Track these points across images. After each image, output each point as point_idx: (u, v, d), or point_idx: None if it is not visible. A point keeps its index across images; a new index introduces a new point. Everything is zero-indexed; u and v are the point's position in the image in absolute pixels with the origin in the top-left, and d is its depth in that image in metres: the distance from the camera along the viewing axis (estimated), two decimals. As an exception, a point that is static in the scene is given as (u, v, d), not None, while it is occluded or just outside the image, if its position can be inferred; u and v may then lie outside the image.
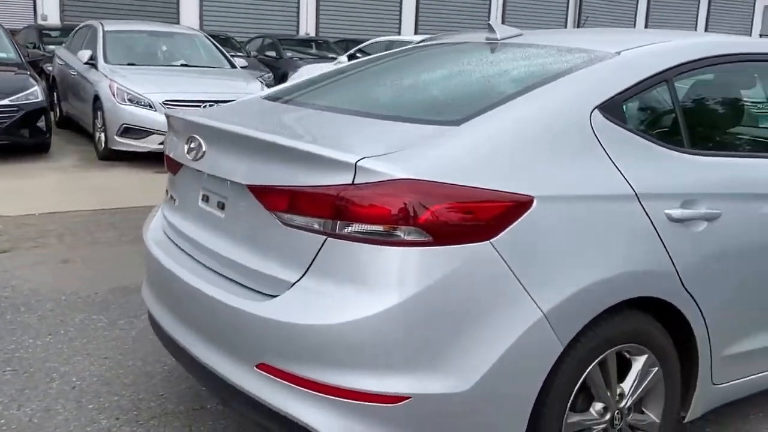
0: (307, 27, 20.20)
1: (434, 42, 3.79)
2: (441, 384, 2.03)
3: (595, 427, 2.39)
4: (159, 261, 2.73)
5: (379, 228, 2.02)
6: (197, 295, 2.44)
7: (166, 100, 8.43)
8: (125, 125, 8.44)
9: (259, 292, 2.26)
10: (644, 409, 2.54)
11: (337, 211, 2.06)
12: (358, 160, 2.03)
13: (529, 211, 2.10)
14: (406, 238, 2.01)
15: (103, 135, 8.76)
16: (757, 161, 2.77)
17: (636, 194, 2.33)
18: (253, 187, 2.27)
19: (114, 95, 8.54)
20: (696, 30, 25.77)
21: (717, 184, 2.56)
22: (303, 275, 2.14)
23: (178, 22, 17.87)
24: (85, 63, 9.40)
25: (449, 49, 3.39)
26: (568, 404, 2.27)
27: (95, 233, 5.66)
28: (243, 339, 2.25)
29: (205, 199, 2.62)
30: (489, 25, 3.13)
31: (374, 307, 2.00)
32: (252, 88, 8.89)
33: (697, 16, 26.01)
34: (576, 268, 2.18)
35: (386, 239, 2.02)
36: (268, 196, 2.22)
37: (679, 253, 2.40)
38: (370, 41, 13.89)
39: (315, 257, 2.11)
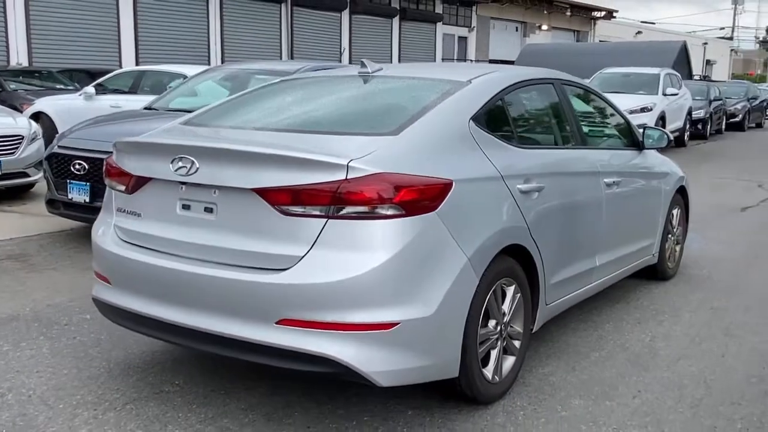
0: (18, 56, 19.15)
1: (314, 75, 4.66)
2: (416, 311, 2.97)
3: (491, 336, 3.48)
4: (142, 262, 3.28)
5: (367, 208, 2.91)
6: (203, 280, 3.09)
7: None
8: None
9: (266, 268, 2.99)
10: (513, 324, 3.69)
11: (336, 199, 2.90)
12: (349, 162, 2.91)
13: (452, 190, 3.12)
14: (387, 213, 2.92)
15: None
16: (561, 151, 4.12)
17: (501, 176, 3.48)
18: (258, 190, 3.00)
19: None
20: (391, 54, 28.93)
21: (540, 167, 3.82)
22: (310, 249, 2.94)
23: None
24: None
25: (339, 80, 4.32)
26: (480, 321, 3.33)
27: None
28: (260, 304, 2.97)
29: (186, 207, 3.25)
30: (362, 62, 4.11)
31: (369, 264, 2.88)
32: (21, 123, 8.76)
33: (391, 43, 29.13)
34: (480, 226, 3.26)
35: (373, 215, 2.91)
36: (273, 195, 2.98)
37: (527, 214, 3.61)
38: (117, 71, 13.87)
39: (318, 235, 2.93)
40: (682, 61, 26.95)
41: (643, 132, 5.15)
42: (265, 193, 3.01)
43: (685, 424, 3.36)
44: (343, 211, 2.92)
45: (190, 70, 11.06)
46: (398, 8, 28.90)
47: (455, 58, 31.60)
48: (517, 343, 3.67)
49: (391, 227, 2.93)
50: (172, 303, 3.22)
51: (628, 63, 26.96)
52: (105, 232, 3.60)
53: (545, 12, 35.31)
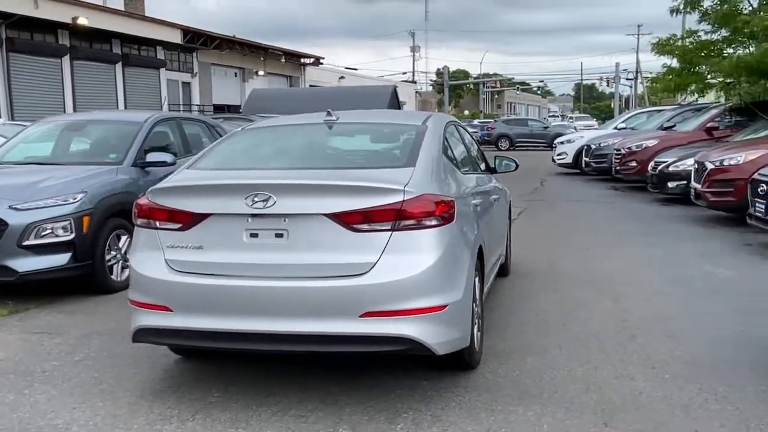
0: None
1: (283, 123, 5.38)
2: (455, 295, 3.99)
3: (476, 314, 4.58)
4: (212, 285, 3.87)
5: (419, 221, 3.88)
6: (284, 292, 3.80)
7: None
8: None
9: (347, 275, 3.80)
10: (476, 304, 4.82)
11: (398, 215, 3.83)
12: (405, 187, 3.86)
13: (456, 206, 4.20)
14: (432, 224, 3.92)
15: None
16: (475, 175, 5.39)
17: (465, 194, 4.63)
18: (331, 214, 3.80)
19: None
20: (117, 100, 28.34)
21: (474, 187, 5.05)
22: (380, 256, 3.82)
23: None
24: None
25: (315, 126, 5.12)
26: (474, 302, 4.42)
27: None
28: (346, 303, 3.77)
29: (254, 235, 3.91)
30: (328, 111, 4.97)
31: (427, 263, 3.86)
32: None
33: (116, 88, 28.55)
34: (469, 232, 4.38)
35: (423, 226, 3.90)
36: (347, 217, 3.81)
37: (479, 220, 4.80)
38: None
39: (386, 245, 3.82)
40: (394, 103, 30.25)
41: (495, 159, 6.63)
42: (339, 216, 3.82)
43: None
44: (402, 224, 3.85)
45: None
46: (120, 54, 28.48)
47: (181, 103, 31.79)
48: (479, 322, 4.82)
49: (436, 234, 3.93)
50: (250, 315, 3.86)
51: (349, 105, 29.50)
52: (154, 267, 4.05)
53: (262, 58, 36.97)
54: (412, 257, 3.85)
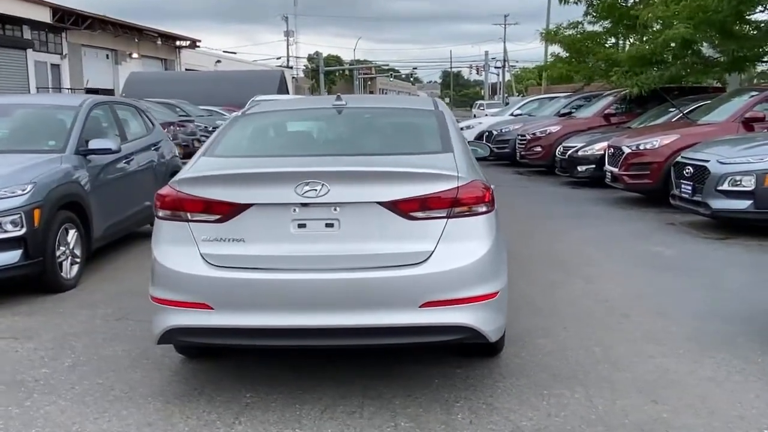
0: None
1: (298, 106, 5.11)
2: (502, 282, 3.96)
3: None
4: (258, 280, 3.65)
5: (471, 208, 3.81)
6: (338, 284, 3.64)
7: None
8: None
9: (404, 264, 3.68)
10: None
11: (454, 203, 3.75)
12: (458, 174, 3.78)
13: (490, 190, 4.17)
14: (482, 210, 3.87)
15: None
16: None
17: (486, 180, 4.61)
18: (387, 203, 3.66)
19: None
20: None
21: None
22: (437, 244, 3.72)
23: None
24: None
25: (327, 111, 4.87)
26: (500, 289, 4.41)
27: None
28: (405, 294, 3.65)
29: (302, 226, 3.71)
30: (338, 95, 4.78)
31: (482, 250, 3.81)
32: None
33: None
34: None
35: (476, 213, 3.84)
36: (402, 205, 3.68)
37: None
38: None
39: (442, 232, 3.73)
40: (283, 88, 29.85)
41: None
42: (395, 204, 3.69)
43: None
44: (456, 212, 3.78)
45: None
46: (-18, 33, 26.32)
47: (50, 86, 29.81)
48: None
49: (486, 221, 3.88)
50: (299, 310, 3.66)
51: (236, 90, 28.83)
52: (188, 263, 3.75)
53: (136, 40, 35.28)
54: (468, 245, 3.78)
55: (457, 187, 3.77)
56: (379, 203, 3.70)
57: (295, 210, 3.72)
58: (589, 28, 21.19)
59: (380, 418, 3.74)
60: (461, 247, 3.77)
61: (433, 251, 3.73)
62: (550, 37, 20.97)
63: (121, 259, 7.62)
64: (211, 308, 3.71)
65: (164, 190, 3.92)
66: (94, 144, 7.00)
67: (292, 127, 4.78)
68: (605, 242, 8.46)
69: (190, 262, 3.76)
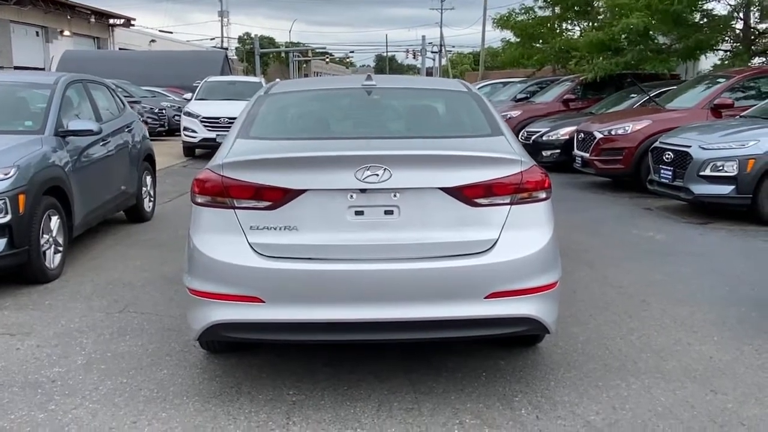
0: None
1: (329, 86, 4.82)
2: (559, 272, 3.80)
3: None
4: (314, 270, 3.40)
5: (533, 194, 3.64)
6: (401, 274, 3.42)
7: None
8: None
9: (469, 253, 3.49)
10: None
11: (517, 189, 3.57)
12: (521, 159, 3.60)
13: (548, 176, 4.00)
14: (542, 196, 3.70)
15: None
16: None
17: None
18: (451, 188, 3.46)
19: None
20: None
21: None
22: (501, 232, 3.54)
23: None
24: None
25: (361, 91, 4.57)
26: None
27: None
28: (471, 284, 3.46)
29: (359, 213, 3.47)
30: (369, 75, 4.51)
31: (545, 238, 3.65)
32: None
33: None
34: None
35: (536, 199, 3.67)
36: (466, 191, 3.48)
37: None
38: None
39: (506, 220, 3.55)
40: (226, 69, 29.06)
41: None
42: (459, 190, 3.48)
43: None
44: (518, 198, 3.60)
45: None
46: None
47: (-24, 65, 28.22)
48: None
49: (545, 208, 3.72)
50: (358, 302, 3.43)
51: (178, 71, 27.95)
52: (236, 253, 3.46)
53: (68, 17, 33.73)
54: (531, 233, 3.61)
55: (521, 172, 3.59)
56: (442, 189, 3.49)
57: (352, 196, 3.47)
58: (540, 13, 21.40)
59: (442, 415, 3.56)
60: (525, 235, 3.60)
61: (497, 239, 3.54)
62: (502, 23, 21.04)
63: (97, 247, 7.18)
64: (263, 301, 3.44)
65: (204, 175, 3.61)
66: (74, 125, 6.54)
67: (329, 107, 4.50)
68: (593, 227, 8.43)
69: (238, 252, 3.48)
